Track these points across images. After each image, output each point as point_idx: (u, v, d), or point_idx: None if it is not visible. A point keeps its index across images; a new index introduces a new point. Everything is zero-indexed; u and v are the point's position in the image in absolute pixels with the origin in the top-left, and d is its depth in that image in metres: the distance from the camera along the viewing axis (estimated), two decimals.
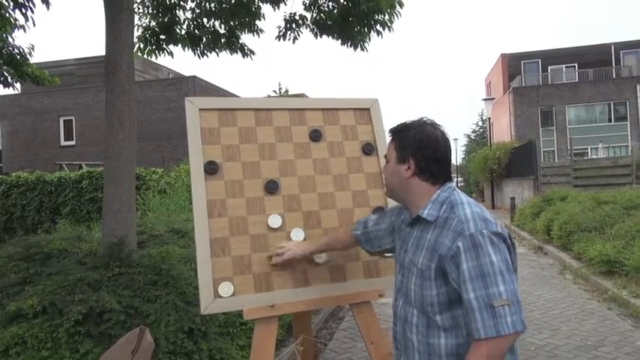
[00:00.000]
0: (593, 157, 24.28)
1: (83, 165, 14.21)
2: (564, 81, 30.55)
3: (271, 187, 2.27)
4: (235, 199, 2.21)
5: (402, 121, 1.62)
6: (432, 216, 1.47)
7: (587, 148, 27.14)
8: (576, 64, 31.12)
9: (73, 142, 22.82)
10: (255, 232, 2.19)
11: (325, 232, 2.30)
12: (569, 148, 20.92)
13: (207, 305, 2.05)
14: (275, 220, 2.23)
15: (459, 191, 1.53)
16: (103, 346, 2.98)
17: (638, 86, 27.53)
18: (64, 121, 23.07)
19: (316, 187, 2.35)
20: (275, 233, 2.22)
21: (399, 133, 1.58)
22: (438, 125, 1.58)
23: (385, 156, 1.65)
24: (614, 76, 29.99)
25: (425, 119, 1.59)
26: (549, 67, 31.72)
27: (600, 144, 25.90)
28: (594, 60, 30.32)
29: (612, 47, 30.89)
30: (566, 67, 31.35)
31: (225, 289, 2.08)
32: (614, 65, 30.69)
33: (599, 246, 7.02)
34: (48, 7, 4.26)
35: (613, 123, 28.28)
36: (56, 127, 23.03)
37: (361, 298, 2.28)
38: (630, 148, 24.59)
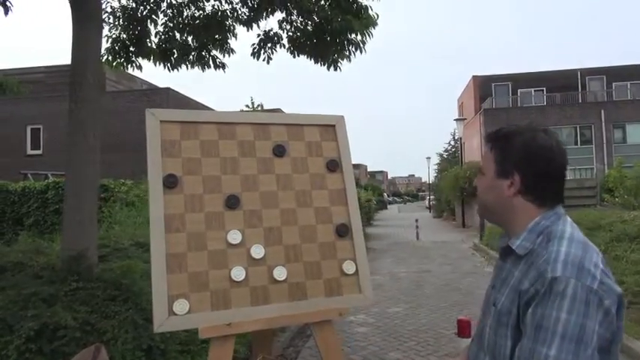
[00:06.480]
0: None
1: (49, 175, 13.80)
2: (533, 104, 31.45)
3: (232, 202, 2.23)
4: (194, 214, 2.17)
5: (503, 126, 1.31)
6: (524, 249, 1.19)
7: None
8: (544, 88, 32.11)
9: (40, 152, 22.21)
10: (213, 248, 2.15)
11: (286, 248, 2.27)
12: None
13: (161, 323, 1.98)
14: (235, 236, 2.19)
15: (568, 220, 1.22)
16: None
17: (602, 111, 28.52)
18: (32, 129, 22.47)
19: (278, 203, 2.32)
20: (234, 249, 2.18)
21: (501, 140, 1.27)
22: (553, 133, 1.29)
23: (480, 168, 1.34)
24: (580, 100, 31.05)
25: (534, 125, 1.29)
26: (519, 90, 32.62)
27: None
28: (561, 84, 31.33)
29: (579, 73, 32.03)
30: (534, 90, 32.30)
31: (181, 306, 2.02)
32: (580, 90, 31.79)
33: None
34: (6, 13, 4.14)
35: (579, 146, 29.17)
36: (23, 135, 22.41)
37: (321, 317, 2.25)
38: (595, 171, 25.40)
